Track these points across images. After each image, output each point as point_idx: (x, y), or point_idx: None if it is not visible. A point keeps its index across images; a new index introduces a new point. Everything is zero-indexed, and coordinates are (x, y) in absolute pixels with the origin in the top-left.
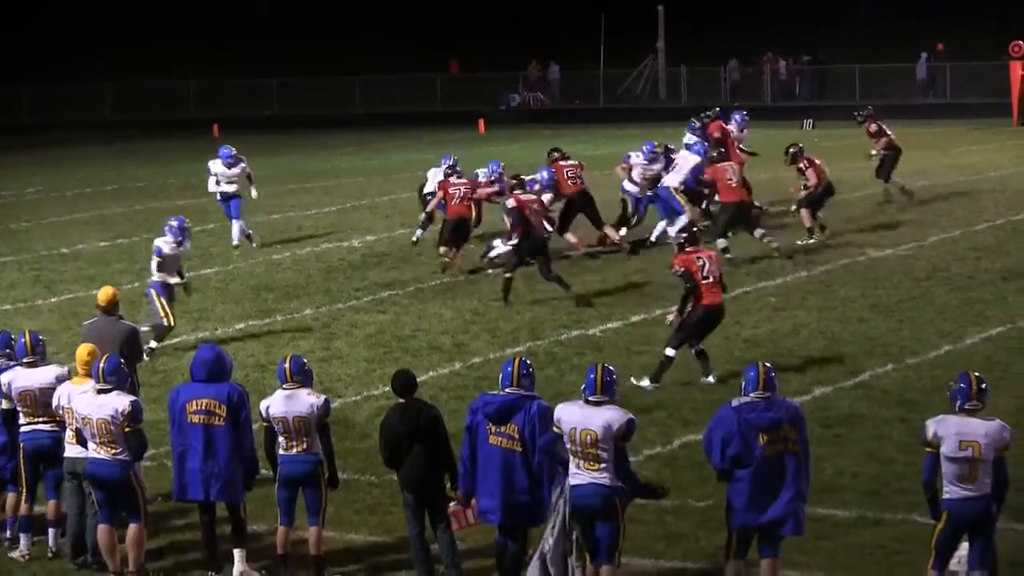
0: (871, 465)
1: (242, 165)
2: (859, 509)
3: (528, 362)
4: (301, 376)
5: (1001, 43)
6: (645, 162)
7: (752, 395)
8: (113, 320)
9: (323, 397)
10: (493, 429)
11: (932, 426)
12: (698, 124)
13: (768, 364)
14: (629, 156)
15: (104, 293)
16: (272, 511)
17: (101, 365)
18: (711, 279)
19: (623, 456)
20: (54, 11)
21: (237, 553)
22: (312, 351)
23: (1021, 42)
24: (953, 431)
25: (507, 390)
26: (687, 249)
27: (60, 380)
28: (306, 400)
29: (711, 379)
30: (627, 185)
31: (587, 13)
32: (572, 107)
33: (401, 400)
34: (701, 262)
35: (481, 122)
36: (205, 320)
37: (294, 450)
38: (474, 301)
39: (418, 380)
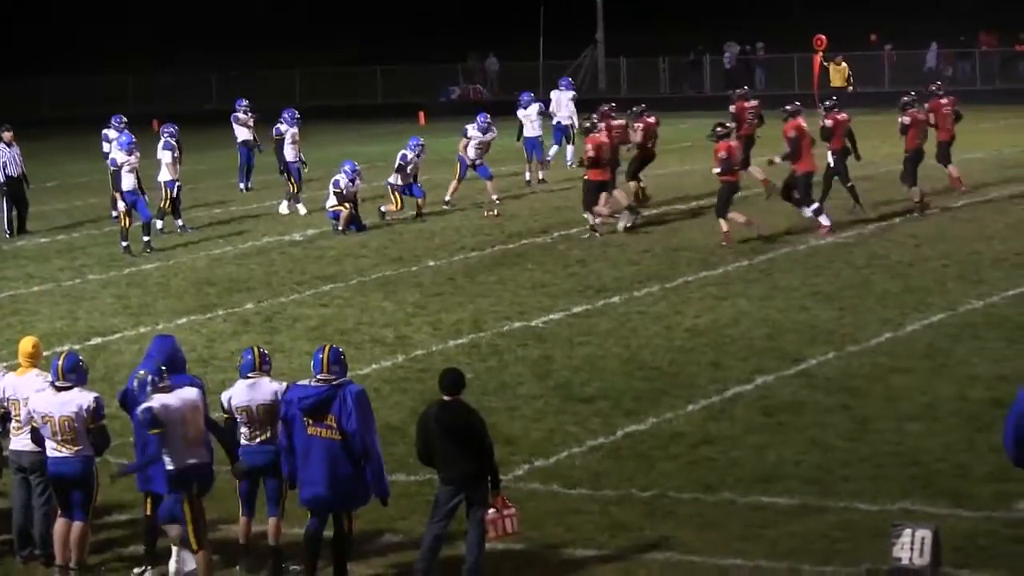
0: (813, 453)
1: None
2: (801, 497)
3: (339, 349)
4: (267, 366)
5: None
6: (479, 133)
7: None
8: None
9: (285, 383)
10: (310, 422)
11: None
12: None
13: None
14: (467, 128)
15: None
16: (227, 502)
17: (60, 363)
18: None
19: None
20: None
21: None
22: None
23: None
24: None
25: (318, 377)
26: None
27: None
28: (269, 387)
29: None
30: (462, 154)
31: (526, 5)
32: (512, 98)
33: (445, 398)
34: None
35: (422, 114)
36: (146, 315)
37: (256, 440)
38: (416, 294)
39: (361, 373)
